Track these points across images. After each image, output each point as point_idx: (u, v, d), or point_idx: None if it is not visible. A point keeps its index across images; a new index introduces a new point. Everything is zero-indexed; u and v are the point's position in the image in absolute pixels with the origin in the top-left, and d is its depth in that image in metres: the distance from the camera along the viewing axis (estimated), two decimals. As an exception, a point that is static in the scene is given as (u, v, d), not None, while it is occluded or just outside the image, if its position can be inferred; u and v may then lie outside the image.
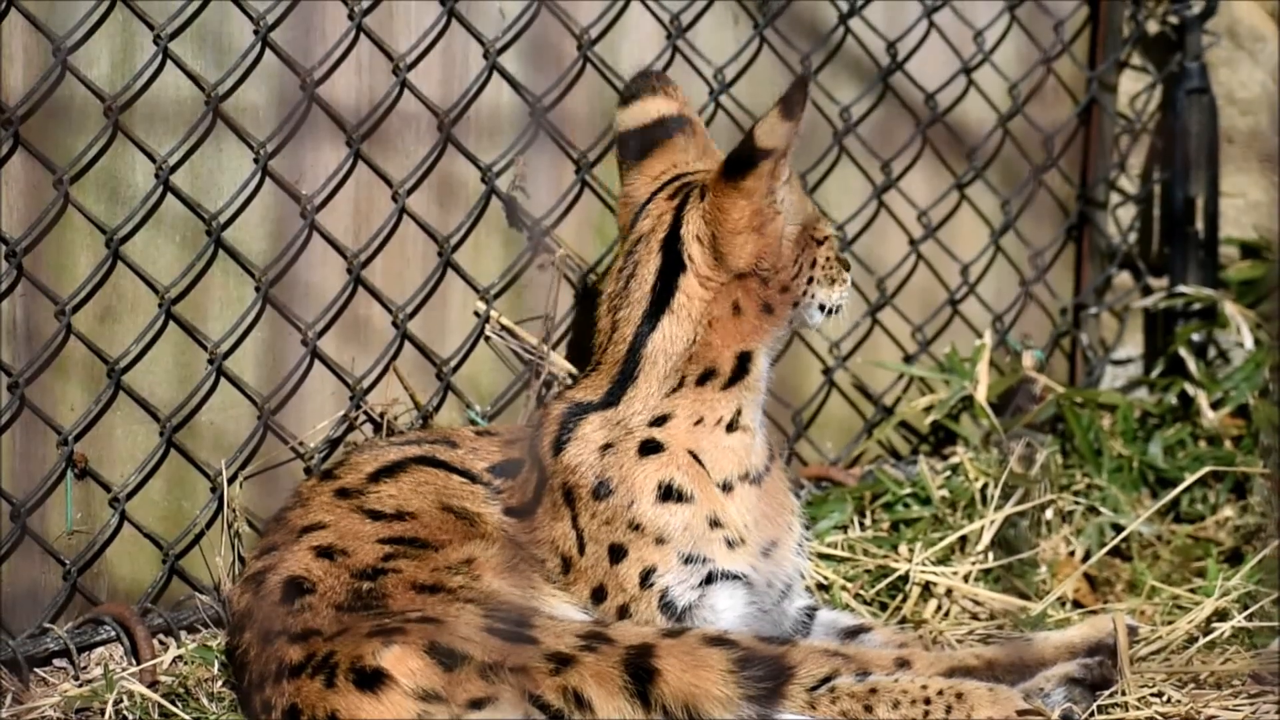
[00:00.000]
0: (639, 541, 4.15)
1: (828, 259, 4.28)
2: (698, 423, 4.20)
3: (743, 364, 4.21)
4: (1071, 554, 5.03)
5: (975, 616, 4.78)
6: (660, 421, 4.19)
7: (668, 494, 4.16)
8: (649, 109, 4.43)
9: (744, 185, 4.14)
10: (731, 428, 4.22)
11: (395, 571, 4.03)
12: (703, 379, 4.20)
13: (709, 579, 4.17)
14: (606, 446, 4.18)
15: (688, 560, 4.16)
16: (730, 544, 4.19)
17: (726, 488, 4.21)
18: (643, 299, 4.22)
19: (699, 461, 4.19)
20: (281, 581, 4.05)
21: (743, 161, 4.13)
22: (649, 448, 4.18)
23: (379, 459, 4.31)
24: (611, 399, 4.22)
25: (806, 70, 4.19)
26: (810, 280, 4.25)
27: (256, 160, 4.53)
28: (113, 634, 4.37)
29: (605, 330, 4.27)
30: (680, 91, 4.46)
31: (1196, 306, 5.75)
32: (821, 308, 4.30)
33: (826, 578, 4.81)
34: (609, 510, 4.16)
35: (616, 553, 4.15)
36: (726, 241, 4.17)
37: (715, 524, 4.18)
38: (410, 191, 4.75)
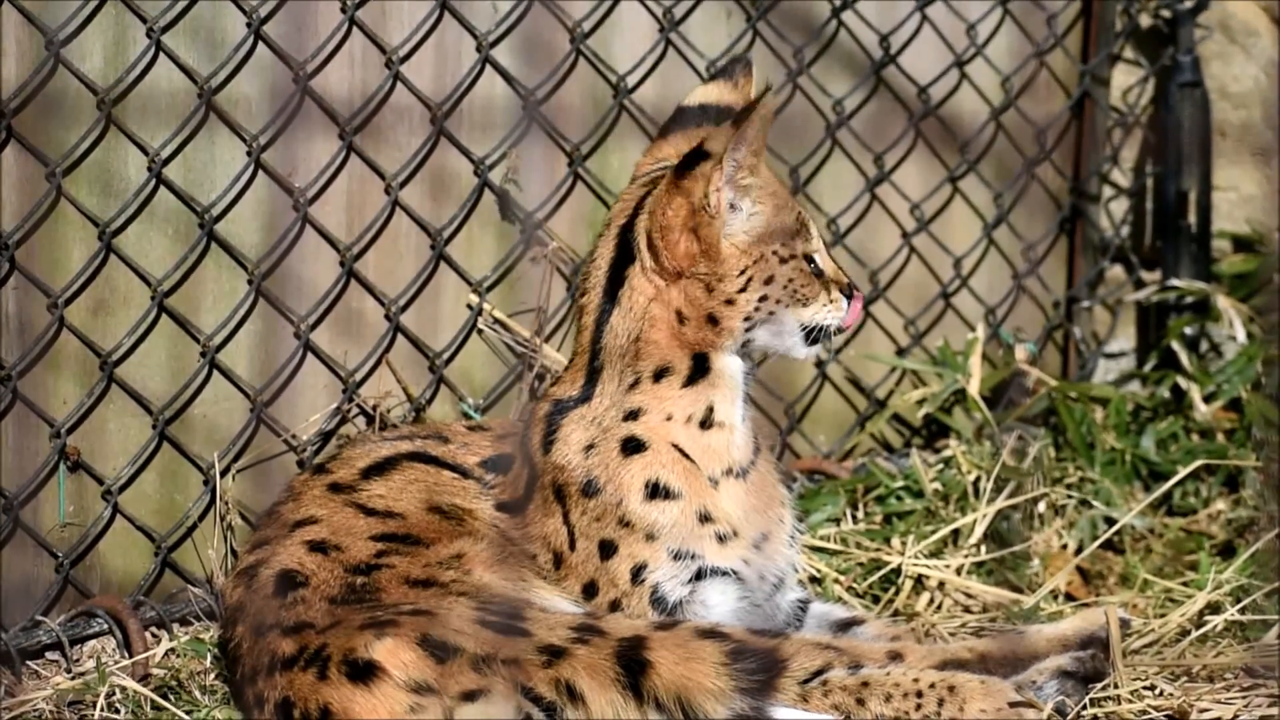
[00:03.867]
0: (629, 538, 4.14)
1: (791, 279, 4.16)
2: (669, 419, 4.17)
3: (699, 364, 4.17)
4: (1064, 547, 5.04)
5: (968, 609, 4.78)
6: (634, 416, 4.17)
7: (655, 491, 4.14)
8: (707, 93, 4.38)
9: (682, 184, 4.12)
10: (706, 425, 4.19)
11: (388, 566, 4.03)
12: (658, 376, 4.17)
13: (699, 575, 4.15)
14: (589, 447, 4.17)
15: (677, 556, 4.14)
16: (721, 539, 4.18)
17: (713, 483, 4.20)
18: (598, 285, 4.20)
19: (687, 456, 4.17)
20: (274, 575, 4.05)
21: (688, 161, 4.13)
22: (631, 445, 4.15)
23: (371, 454, 4.30)
24: (586, 394, 4.20)
25: (769, 85, 4.16)
26: (764, 298, 4.14)
27: (249, 153, 4.53)
28: (105, 627, 4.37)
29: (576, 314, 4.26)
30: (750, 86, 4.36)
31: (1189, 300, 5.75)
32: (805, 330, 4.17)
33: (819, 570, 4.81)
34: (599, 507, 4.15)
35: (607, 549, 4.14)
36: (661, 235, 4.13)
37: (705, 519, 4.17)
38: (403, 184, 4.75)
